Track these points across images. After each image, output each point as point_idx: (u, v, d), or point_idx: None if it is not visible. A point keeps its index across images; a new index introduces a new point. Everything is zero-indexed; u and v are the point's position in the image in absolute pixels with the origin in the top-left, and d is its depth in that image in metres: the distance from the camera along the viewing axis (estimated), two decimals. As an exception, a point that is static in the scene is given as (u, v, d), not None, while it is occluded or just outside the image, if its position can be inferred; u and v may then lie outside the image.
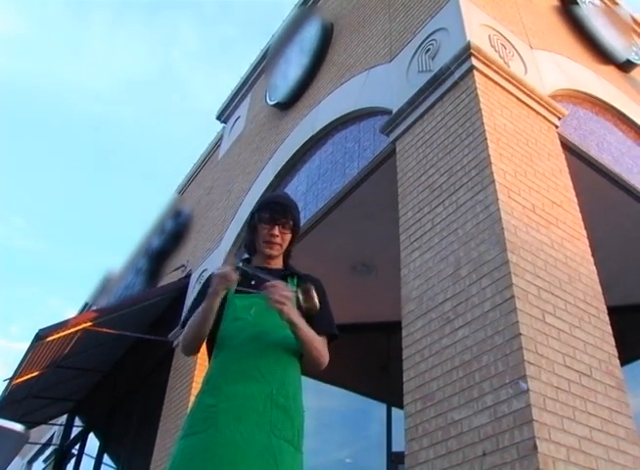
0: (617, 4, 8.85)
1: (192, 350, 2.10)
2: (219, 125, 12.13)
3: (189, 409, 1.98)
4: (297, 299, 2.06)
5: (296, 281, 2.23)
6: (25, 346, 8.06)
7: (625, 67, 7.85)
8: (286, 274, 2.23)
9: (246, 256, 2.37)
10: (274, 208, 2.27)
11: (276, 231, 2.23)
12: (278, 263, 2.28)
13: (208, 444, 1.81)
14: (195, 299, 2.24)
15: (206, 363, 2.13)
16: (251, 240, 2.31)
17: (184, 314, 2.20)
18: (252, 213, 2.32)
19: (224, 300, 2.09)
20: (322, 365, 2.09)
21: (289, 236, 2.27)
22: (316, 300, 2.04)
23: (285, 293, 1.96)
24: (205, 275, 8.13)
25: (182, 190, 12.82)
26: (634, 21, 8.92)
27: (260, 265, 2.25)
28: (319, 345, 2.08)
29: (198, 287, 8.34)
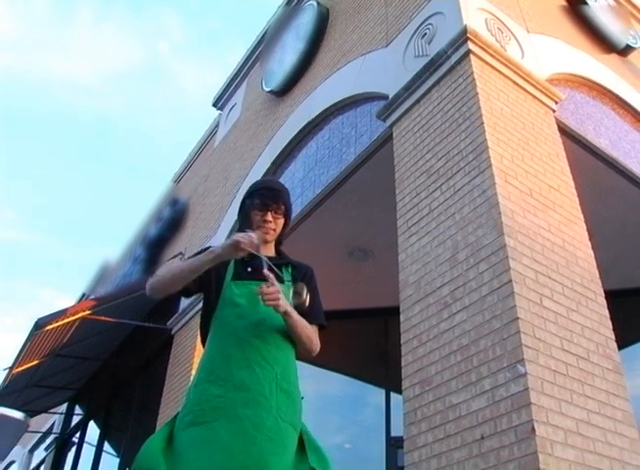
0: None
1: (159, 293, 2.07)
2: (208, 115, 12.11)
3: (189, 398, 1.97)
4: (292, 290, 2.11)
5: (290, 270, 2.23)
6: (21, 337, 8.10)
7: (623, 51, 7.81)
8: (280, 263, 2.22)
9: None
10: (265, 193, 2.25)
11: (269, 217, 2.22)
12: (270, 250, 2.27)
13: (219, 432, 1.83)
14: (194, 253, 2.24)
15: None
16: (243, 227, 2.28)
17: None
18: (244, 200, 2.30)
19: (220, 285, 2.11)
20: (314, 352, 2.15)
21: (281, 221, 2.27)
22: (305, 298, 2.09)
23: (275, 292, 1.96)
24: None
25: (179, 178, 12.78)
26: (632, 5, 8.87)
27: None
28: (311, 333, 2.12)
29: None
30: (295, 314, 2.04)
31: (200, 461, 1.79)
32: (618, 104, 7.04)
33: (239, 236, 1.97)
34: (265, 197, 2.24)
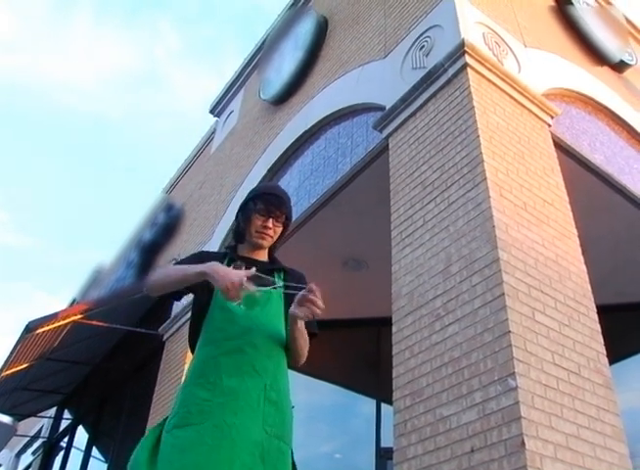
0: (610, 4, 8.87)
1: (156, 293, 2.12)
2: (205, 122, 12.10)
3: (178, 400, 1.97)
4: (285, 294, 2.11)
5: (282, 276, 2.24)
6: (12, 339, 8.07)
7: (619, 67, 7.86)
8: (273, 269, 2.24)
9: (232, 243, 2.37)
10: (270, 199, 2.26)
11: (270, 223, 2.23)
12: (263, 255, 2.29)
13: (205, 436, 1.82)
14: (188, 257, 2.23)
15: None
16: (241, 227, 2.30)
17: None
18: (247, 201, 2.30)
19: (212, 289, 2.06)
20: (301, 362, 2.17)
21: (280, 229, 2.29)
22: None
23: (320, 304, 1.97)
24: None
25: (172, 185, 12.75)
26: (628, 22, 8.94)
27: (246, 255, 2.25)
28: (305, 343, 2.14)
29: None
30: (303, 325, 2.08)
31: (183, 462, 1.78)
32: (614, 120, 7.08)
33: (230, 284, 1.86)
34: (270, 203, 2.25)
